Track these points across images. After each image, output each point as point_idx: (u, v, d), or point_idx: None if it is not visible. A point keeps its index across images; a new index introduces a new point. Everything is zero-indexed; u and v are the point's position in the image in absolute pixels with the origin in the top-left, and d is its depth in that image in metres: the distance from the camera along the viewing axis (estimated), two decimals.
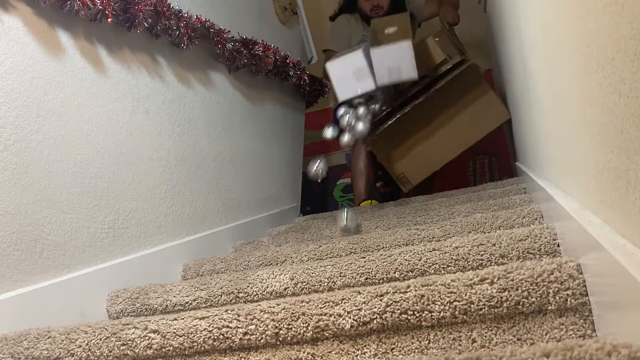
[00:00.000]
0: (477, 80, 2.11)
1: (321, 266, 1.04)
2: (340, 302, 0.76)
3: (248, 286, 1.07)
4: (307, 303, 0.78)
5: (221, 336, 0.79)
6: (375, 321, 0.74)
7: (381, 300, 0.74)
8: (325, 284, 1.02)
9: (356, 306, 0.75)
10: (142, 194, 1.35)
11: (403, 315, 0.73)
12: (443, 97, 2.10)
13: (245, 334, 0.79)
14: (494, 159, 3.14)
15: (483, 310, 0.71)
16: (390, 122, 2.13)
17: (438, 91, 2.07)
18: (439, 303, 0.72)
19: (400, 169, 2.25)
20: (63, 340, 0.85)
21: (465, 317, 0.71)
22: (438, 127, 2.18)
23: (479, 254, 0.94)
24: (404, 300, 0.73)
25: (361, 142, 2.33)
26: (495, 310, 0.70)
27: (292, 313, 0.77)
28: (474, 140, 2.17)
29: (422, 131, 2.18)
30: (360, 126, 1.67)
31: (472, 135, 2.16)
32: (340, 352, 0.76)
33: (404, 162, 2.24)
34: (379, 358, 0.74)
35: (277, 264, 1.28)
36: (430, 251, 0.98)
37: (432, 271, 0.97)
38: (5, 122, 0.98)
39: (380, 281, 0.99)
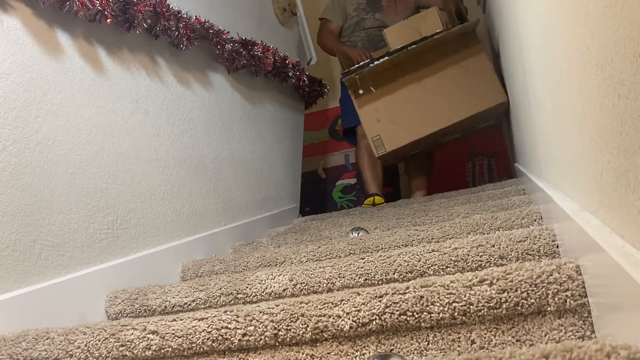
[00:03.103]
0: (474, 43, 1.96)
1: (320, 267, 1.04)
2: (339, 303, 0.76)
3: (247, 287, 1.06)
4: (306, 304, 0.78)
5: (220, 337, 0.79)
6: (374, 322, 0.74)
7: (380, 301, 0.74)
8: (324, 285, 1.01)
9: (355, 307, 0.75)
10: (141, 194, 1.35)
11: (402, 317, 0.73)
12: (438, 58, 1.95)
13: (244, 335, 0.79)
14: (493, 159, 3.14)
15: (482, 311, 0.71)
16: (375, 63, 1.94)
17: (433, 51, 1.93)
18: (438, 304, 0.72)
19: (377, 130, 2.01)
20: (62, 341, 0.85)
21: (464, 318, 0.71)
22: (428, 93, 1.99)
23: (478, 255, 0.94)
24: (403, 302, 0.73)
25: (361, 134, 2.24)
26: (495, 311, 0.70)
27: (291, 314, 0.77)
28: (464, 116, 1.98)
29: (411, 93, 2.00)
30: None
31: (462, 109, 1.98)
32: (340, 353, 0.76)
33: (383, 123, 2.01)
34: None
35: (276, 265, 1.28)
36: (430, 252, 0.98)
37: (431, 272, 0.97)
38: (4, 122, 0.98)
39: (380, 282, 0.99)
